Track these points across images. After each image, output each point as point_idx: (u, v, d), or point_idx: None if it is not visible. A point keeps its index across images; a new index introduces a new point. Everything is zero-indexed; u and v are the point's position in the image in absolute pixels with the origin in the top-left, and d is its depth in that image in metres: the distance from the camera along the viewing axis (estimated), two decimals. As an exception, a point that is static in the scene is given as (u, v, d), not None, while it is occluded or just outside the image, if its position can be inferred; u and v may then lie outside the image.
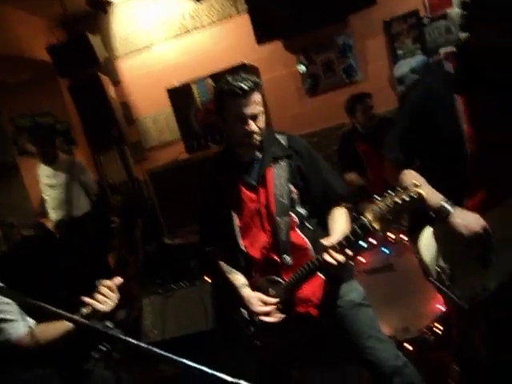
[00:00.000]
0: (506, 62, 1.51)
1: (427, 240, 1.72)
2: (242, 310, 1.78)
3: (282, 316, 1.69)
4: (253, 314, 1.73)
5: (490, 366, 1.86)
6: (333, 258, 1.53)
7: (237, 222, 1.78)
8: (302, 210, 1.77)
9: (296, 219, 1.75)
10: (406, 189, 1.40)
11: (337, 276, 1.73)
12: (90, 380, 1.78)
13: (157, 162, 4.52)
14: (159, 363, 3.31)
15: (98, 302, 1.44)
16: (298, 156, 1.78)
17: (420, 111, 1.68)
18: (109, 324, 1.19)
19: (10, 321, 1.59)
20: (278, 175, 1.73)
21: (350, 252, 1.54)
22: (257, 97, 1.67)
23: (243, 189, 1.77)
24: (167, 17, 4.37)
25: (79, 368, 1.82)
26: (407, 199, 1.38)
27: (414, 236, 1.77)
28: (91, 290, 1.50)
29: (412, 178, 1.62)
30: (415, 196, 1.38)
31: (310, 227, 1.79)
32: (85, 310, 1.43)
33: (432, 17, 3.92)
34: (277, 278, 1.73)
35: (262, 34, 4.01)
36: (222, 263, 1.89)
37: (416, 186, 1.39)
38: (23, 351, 1.58)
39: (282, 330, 1.72)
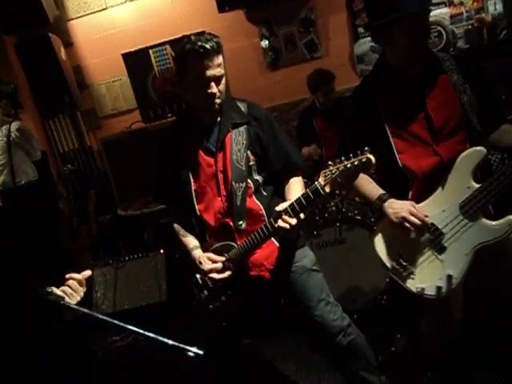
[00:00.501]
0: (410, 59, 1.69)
1: (381, 233, 1.80)
2: (196, 275, 1.80)
3: (230, 272, 1.73)
4: (203, 273, 1.76)
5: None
6: (286, 222, 1.57)
7: (193, 186, 1.78)
8: (258, 177, 1.80)
9: (252, 186, 1.77)
10: (356, 155, 1.45)
11: (290, 240, 1.78)
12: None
13: (111, 131, 4.36)
14: (110, 335, 3.31)
15: (66, 294, 1.38)
16: (257, 123, 1.79)
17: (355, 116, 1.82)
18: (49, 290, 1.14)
19: None
20: (236, 141, 1.74)
21: (302, 215, 1.58)
22: (220, 59, 1.66)
23: (201, 153, 1.77)
24: (124, -23, 4.15)
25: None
26: (356, 163, 1.44)
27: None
28: (36, 259, 1.44)
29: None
30: (364, 160, 1.43)
31: (266, 194, 1.82)
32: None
33: (394, -4, 3.95)
34: (230, 243, 1.76)
35: (224, 2, 3.90)
36: (176, 226, 1.91)
37: (366, 151, 1.44)
38: None
39: (234, 294, 1.76)
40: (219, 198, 1.76)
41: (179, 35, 4.02)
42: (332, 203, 2.92)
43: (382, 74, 1.77)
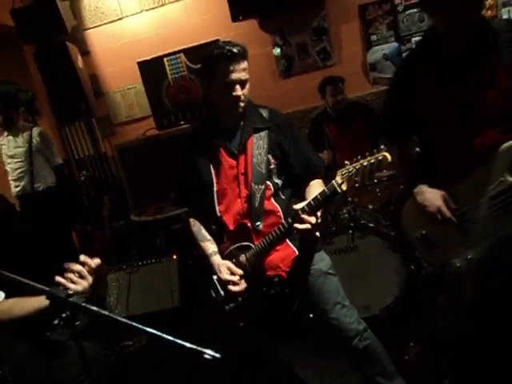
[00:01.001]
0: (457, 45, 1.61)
1: (409, 207, 1.86)
2: (213, 276, 1.83)
3: (245, 285, 1.76)
4: (220, 282, 1.80)
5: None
6: (303, 220, 1.59)
7: (215, 187, 1.83)
8: (278, 181, 1.84)
9: (272, 188, 1.82)
10: (372, 153, 1.48)
11: (308, 244, 1.82)
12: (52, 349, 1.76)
13: (125, 138, 4.42)
14: (122, 339, 3.33)
15: (72, 282, 1.36)
16: (278, 129, 1.84)
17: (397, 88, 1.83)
18: (71, 292, 1.15)
19: None
20: (257, 145, 1.79)
21: (319, 214, 1.62)
22: (245, 64, 1.72)
23: (224, 155, 1.83)
24: (141, -13, 4.23)
25: (41, 337, 1.80)
26: (373, 161, 1.47)
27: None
28: (52, 266, 1.44)
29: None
30: (380, 157, 1.46)
31: (284, 197, 1.86)
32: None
33: (406, 4, 3.96)
34: (247, 244, 1.79)
35: (238, 12, 3.95)
36: (194, 229, 1.95)
37: (382, 149, 1.47)
38: None
39: (251, 295, 1.79)
40: (239, 200, 1.80)
41: (193, 44, 4.16)
42: (345, 210, 2.92)
43: (429, 47, 1.69)
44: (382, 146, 1.46)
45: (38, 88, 4.15)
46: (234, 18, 3.96)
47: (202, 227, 1.93)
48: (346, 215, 2.91)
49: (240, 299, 1.78)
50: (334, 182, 1.55)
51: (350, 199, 2.96)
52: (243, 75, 1.72)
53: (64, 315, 1.08)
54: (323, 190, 1.59)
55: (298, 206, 1.63)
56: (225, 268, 1.77)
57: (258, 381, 2.12)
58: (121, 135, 4.54)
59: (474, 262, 1.68)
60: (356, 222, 2.83)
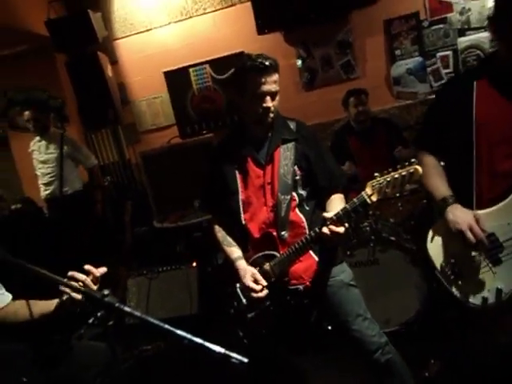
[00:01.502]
0: None
1: (436, 234, 1.79)
2: (237, 284, 1.86)
3: (267, 292, 1.77)
4: (243, 288, 1.82)
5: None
6: (331, 229, 1.61)
7: (241, 195, 1.86)
8: (303, 192, 1.87)
9: (297, 199, 1.84)
10: (403, 166, 1.49)
11: (329, 254, 1.84)
12: (71, 353, 1.78)
13: (150, 146, 4.51)
14: (141, 343, 3.36)
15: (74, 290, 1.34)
16: (305, 141, 1.88)
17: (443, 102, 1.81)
18: (106, 292, 1.18)
19: None
20: (284, 156, 1.83)
21: (347, 224, 1.64)
22: (276, 76, 1.77)
23: (251, 164, 1.86)
24: (169, 0, 4.34)
25: (59, 341, 1.82)
26: (404, 173, 1.49)
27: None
28: (76, 267, 1.45)
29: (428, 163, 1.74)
30: (412, 170, 1.48)
31: (308, 208, 1.88)
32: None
33: (432, 20, 3.98)
34: (272, 252, 1.81)
35: (263, 25, 4.03)
36: (219, 235, 1.98)
37: (413, 163, 1.48)
38: None
39: (273, 304, 1.80)
40: (265, 208, 1.84)
41: (219, 55, 4.23)
42: (366, 223, 2.92)
43: (490, 66, 1.72)
44: (413, 160, 1.47)
45: (68, 95, 4.28)
46: (260, 31, 4.04)
47: (226, 234, 1.97)
48: (368, 228, 2.91)
49: (262, 307, 1.80)
50: (363, 193, 1.58)
51: (371, 212, 2.96)
52: (274, 87, 1.77)
53: (99, 314, 1.12)
54: (353, 202, 1.61)
55: (328, 215, 1.66)
56: (250, 275, 1.80)
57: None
58: (145, 143, 4.63)
59: (507, 295, 1.59)
60: (377, 235, 2.82)
